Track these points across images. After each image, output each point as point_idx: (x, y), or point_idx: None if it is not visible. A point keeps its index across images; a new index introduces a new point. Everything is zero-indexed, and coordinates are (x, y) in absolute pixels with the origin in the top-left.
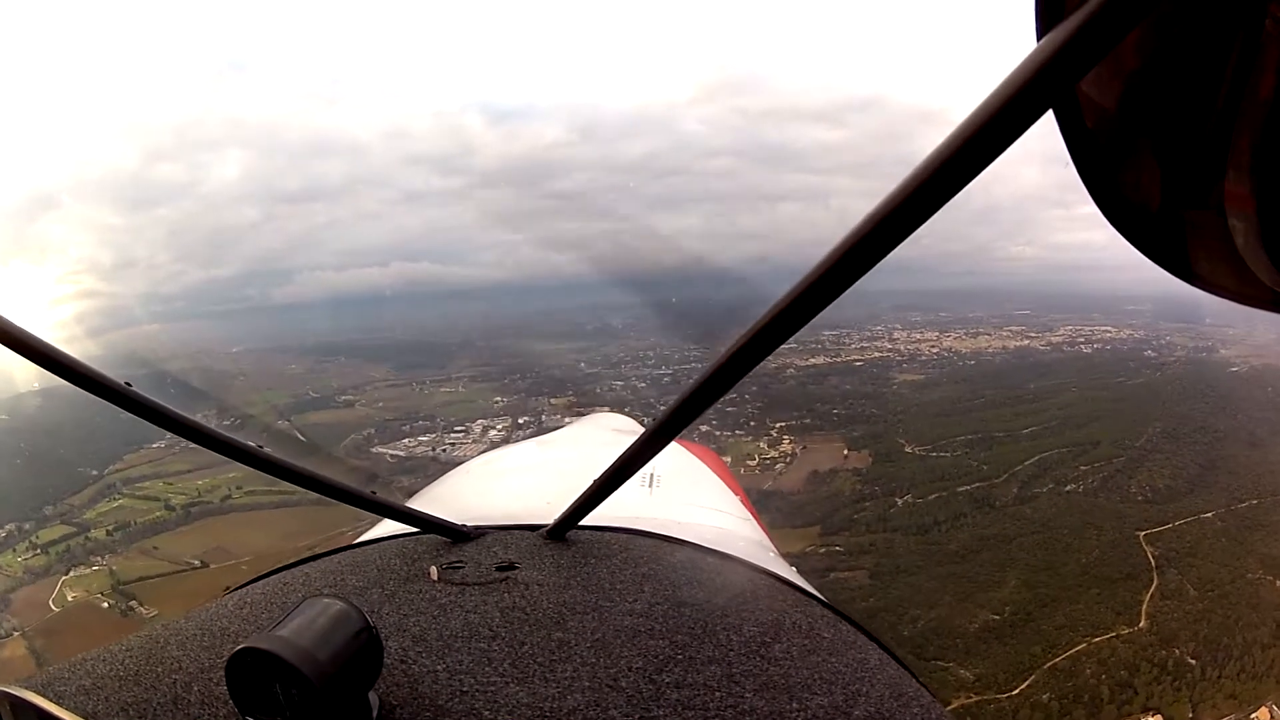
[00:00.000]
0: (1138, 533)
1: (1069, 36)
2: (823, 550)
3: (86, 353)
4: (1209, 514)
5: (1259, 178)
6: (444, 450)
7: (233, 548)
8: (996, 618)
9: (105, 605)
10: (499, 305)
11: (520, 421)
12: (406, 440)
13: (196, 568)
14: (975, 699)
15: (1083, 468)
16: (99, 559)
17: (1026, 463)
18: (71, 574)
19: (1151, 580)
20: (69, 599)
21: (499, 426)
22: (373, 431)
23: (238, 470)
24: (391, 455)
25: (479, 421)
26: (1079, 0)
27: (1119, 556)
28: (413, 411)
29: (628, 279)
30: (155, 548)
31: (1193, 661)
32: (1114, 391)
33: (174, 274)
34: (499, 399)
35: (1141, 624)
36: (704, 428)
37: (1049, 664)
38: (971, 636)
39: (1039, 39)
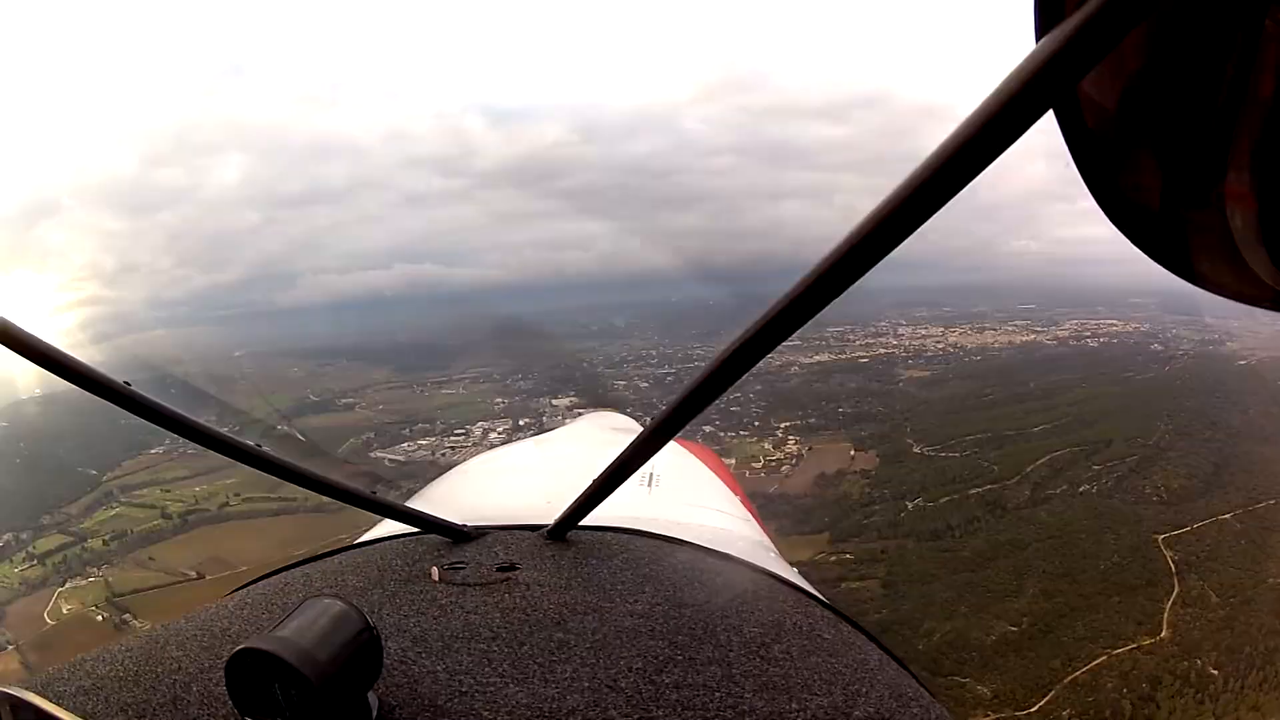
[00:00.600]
0: (1156, 536)
1: (1069, 36)
2: (833, 559)
3: (91, 359)
4: (1227, 515)
5: (1259, 177)
6: (443, 454)
7: (230, 557)
8: (1014, 629)
9: (100, 619)
10: (502, 306)
11: (521, 423)
12: (405, 445)
13: (192, 579)
14: (993, 717)
15: (1095, 467)
16: (95, 570)
17: (1038, 462)
18: (67, 585)
19: (1172, 587)
20: (64, 611)
21: (499, 429)
22: (371, 436)
23: (236, 475)
24: (390, 460)
25: (479, 424)
26: (1079, 0)
27: (1138, 562)
28: (412, 415)
29: (629, 279)
30: (151, 558)
31: (1215, 672)
32: (1123, 386)
33: (177, 279)
34: (500, 400)
35: (1164, 634)
36: (707, 428)
37: (1069, 678)
38: (989, 650)
39: (1039, 39)
